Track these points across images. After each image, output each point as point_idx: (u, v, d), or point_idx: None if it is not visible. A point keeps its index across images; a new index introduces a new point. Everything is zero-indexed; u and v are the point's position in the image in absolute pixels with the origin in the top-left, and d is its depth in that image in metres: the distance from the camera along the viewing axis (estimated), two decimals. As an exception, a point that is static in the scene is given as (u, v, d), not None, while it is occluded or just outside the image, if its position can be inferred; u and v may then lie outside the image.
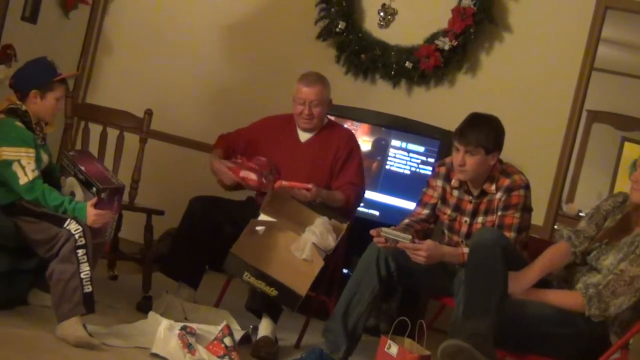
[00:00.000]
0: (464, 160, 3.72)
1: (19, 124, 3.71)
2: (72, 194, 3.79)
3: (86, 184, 3.76)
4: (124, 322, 3.89)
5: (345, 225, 4.07)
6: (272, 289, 3.81)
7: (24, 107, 3.77)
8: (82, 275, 3.53)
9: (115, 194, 3.79)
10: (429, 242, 3.68)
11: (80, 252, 3.55)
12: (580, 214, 3.84)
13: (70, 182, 3.82)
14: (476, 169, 3.74)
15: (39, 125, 3.85)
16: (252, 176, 4.28)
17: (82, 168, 3.76)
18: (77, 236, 3.55)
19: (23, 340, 3.45)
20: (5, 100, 3.85)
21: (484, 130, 3.72)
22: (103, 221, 3.70)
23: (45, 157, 3.83)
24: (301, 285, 3.82)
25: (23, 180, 3.62)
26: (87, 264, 3.56)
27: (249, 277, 3.84)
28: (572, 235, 3.65)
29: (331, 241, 3.96)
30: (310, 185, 4.11)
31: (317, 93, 4.36)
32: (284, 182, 4.11)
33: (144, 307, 4.17)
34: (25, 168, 3.62)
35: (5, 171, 3.63)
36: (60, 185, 3.81)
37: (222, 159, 4.41)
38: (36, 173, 3.65)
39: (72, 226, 3.57)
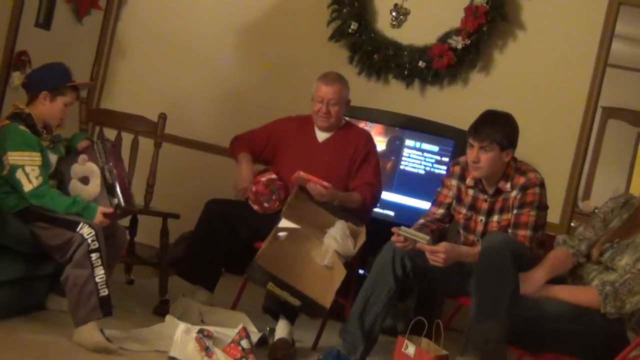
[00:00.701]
0: (479, 157, 3.71)
1: (22, 127, 3.71)
2: (85, 179, 3.79)
3: (109, 189, 3.78)
4: (141, 326, 3.90)
5: (363, 229, 4.07)
6: (295, 299, 3.81)
7: (27, 111, 3.78)
8: (97, 279, 3.54)
9: (127, 213, 3.81)
10: (445, 244, 3.67)
11: (94, 255, 3.55)
12: (596, 210, 3.83)
13: (91, 170, 3.83)
14: (491, 166, 3.73)
15: (46, 128, 3.85)
16: (255, 207, 4.30)
17: (115, 171, 3.79)
18: (90, 240, 3.55)
19: (40, 345, 3.47)
20: (12, 107, 3.87)
21: (498, 127, 3.71)
22: (101, 226, 3.71)
23: (54, 159, 3.83)
24: (325, 297, 3.82)
25: (27, 187, 3.63)
26: (101, 267, 3.55)
27: (273, 287, 3.82)
28: (566, 239, 3.71)
29: (351, 247, 3.97)
30: (327, 184, 4.11)
31: (335, 92, 4.37)
32: (302, 173, 4.11)
33: (161, 311, 4.18)
34: (29, 175, 3.63)
35: (11, 177, 3.65)
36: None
37: (250, 162, 4.43)
38: (40, 179, 3.65)
39: (85, 230, 3.57)
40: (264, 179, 4.31)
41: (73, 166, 3.85)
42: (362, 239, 4.04)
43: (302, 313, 3.91)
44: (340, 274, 3.86)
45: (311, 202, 4.11)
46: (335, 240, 3.92)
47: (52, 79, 3.84)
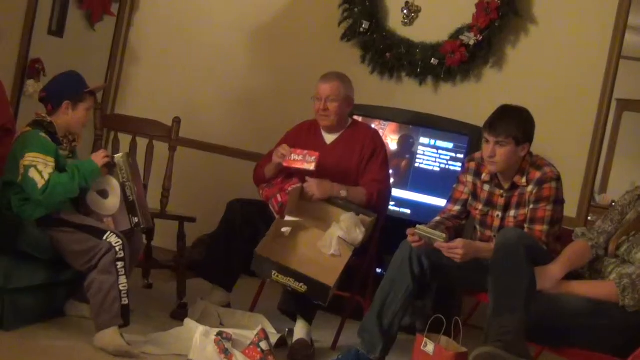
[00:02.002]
0: (494, 152, 3.71)
1: (43, 134, 3.75)
2: (104, 192, 3.82)
3: (129, 206, 3.83)
4: (160, 330, 3.91)
5: (373, 218, 4.07)
6: (300, 284, 3.81)
7: (49, 119, 3.82)
8: (120, 287, 3.59)
9: (144, 232, 3.87)
10: (462, 240, 3.66)
11: (120, 264, 3.60)
12: (614, 204, 3.81)
13: (110, 183, 3.86)
14: (507, 160, 3.72)
15: (67, 138, 3.89)
16: (278, 217, 4.27)
17: (136, 189, 3.84)
18: (117, 249, 3.61)
19: (62, 351, 3.49)
20: (35, 115, 3.90)
21: (514, 121, 3.71)
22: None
23: None
24: (329, 277, 3.83)
25: (40, 183, 3.64)
26: (125, 276, 3.61)
27: (277, 276, 3.84)
28: (585, 232, 3.69)
29: (359, 234, 3.97)
30: (314, 154, 4.17)
31: (332, 88, 4.38)
32: (290, 188, 4.18)
33: (179, 314, 4.19)
34: (43, 172, 3.65)
35: (25, 179, 3.66)
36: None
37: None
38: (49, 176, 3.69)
39: (113, 239, 3.62)
40: (290, 188, 4.29)
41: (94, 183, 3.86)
42: (372, 226, 4.03)
43: (310, 298, 3.88)
44: (346, 256, 3.88)
45: (317, 200, 4.13)
46: (340, 228, 3.93)
47: (70, 88, 3.89)
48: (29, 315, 3.72)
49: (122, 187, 3.87)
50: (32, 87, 5.07)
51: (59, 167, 3.73)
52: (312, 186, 4.17)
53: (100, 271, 3.59)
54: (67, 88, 3.89)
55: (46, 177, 3.64)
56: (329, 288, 3.80)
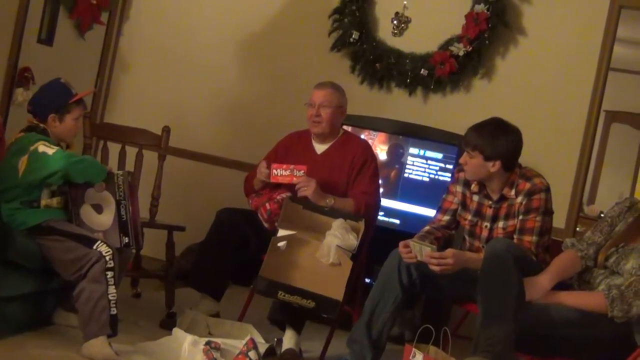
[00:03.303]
0: (465, 160, 3.77)
1: (40, 135, 3.76)
2: (98, 207, 3.81)
3: (122, 225, 3.82)
4: (148, 339, 3.90)
5: (361, 223, 4.07)
6: (308, 301, 3.82)
7: (42, 125, 3.82)
8: (109, 297, 3.57)
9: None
10: (451, 250, 3.68)
11: (109, 274, 3.58)
12: (602, 215, 3.83)
13: (106, 199, 3.84)
14: (474, 171, 3.77)
15: (61, 145, 3.88)
16: (267, 225, 4.28)
17: (131, 209, 3.85)
18: (107, 258, 3.58)
19: (49, 360, 3.48)
20: (27, 121, 3.90)
21: (484, 136, 3.72)
22: None
23: None
24: (336, 290, 3.83)
25: (51, 150, 3.67)
26: (114, 286, 3.59)
27: (284, 295, 3.83)
28: (575, 242, 3.70)
29: (353, 240, 3.97)
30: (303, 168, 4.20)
31: (326, 95, 4.40)
32: (278, 197, 4.20)
33: (167, 324, 4.18)
34: (48, 146, 3.68)
35: (33, 159, 3.66)
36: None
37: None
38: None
39: (103, 248, 3.60)
40: (278, 197, 4.29)
41: (88, 190, 3.83)
42: (362, 231, 4.04)
43: (318, 313, 3.90)
44: (347, 266, 3.87)
45: (305, 210, 4.12)
46: (336, 237, 3.93)
47: (54, 100, 3.87)
48: (18, 324, 3.70)
49: (118, 204, 3.85)
50: (21, 95, 5.05)
51: None
52: (309, 182, 4.18)
53: (90, 280, 3.56)
54: (50, 101, 3.87)
55: (55, 147, 3.68)
56: (337, 302, 3.80)
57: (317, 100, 4.41)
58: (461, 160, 3.81)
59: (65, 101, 3.87)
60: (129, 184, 3.89)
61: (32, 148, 3.68)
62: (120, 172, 3.93)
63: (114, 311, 3.57)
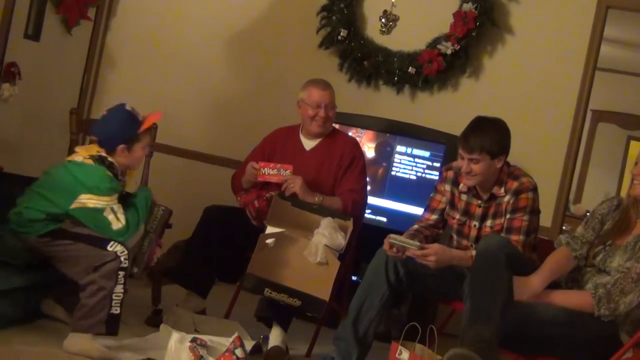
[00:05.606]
0: (470, 167, 3.72)
1: (109, 173, 3.70)
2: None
3: (137, 255, 3.86)
4: (134, 335, 3.89)
5: (350, 222, 4.07)
6: (294, 299, 3.83)
7: (109, 159, 3.75)
8: (114, 296, 3.56)
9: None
10: (436, 246, 3.68)
11: (121, 274, 3.58)
12: (588, 214, 3.83)
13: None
14: (484, 175, 3.74)
15: (123, 174, 3.87)
16: (255, 222, 4.30)
17: (154, 244, 3.93)
18: (122, 258, 3.58)
19: (36, 357, 3.46)
20: (92, 145, 3.81)
21: (487, 135, 3.71)
22: None
23: None
24: (323, 290, 3.83)
25: (117, 225, 3.65)
26: (122, 286, 3.59)
27: (270, 293, 3.85)
28: (570, 241, 3.68)
29: (341, 239, 3.97)
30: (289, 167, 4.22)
31: (330, 95, 4.42)
32: (267, 195, 4.21)
33: (153, 321, 4.17)
34: (117, 213, 3.66)
35: (96, 216, 3.64)
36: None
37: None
38: (123, 217, 3.69)
39: (118, 248, 3.59)
40: (267, 195, 4.29)
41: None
42: (350, 230, 4.04)
43: (304, 312, 3.91)
44: (335, 266, 3.87)
45: (293, 207, 4.12)
46: (324, 235, 3.93)
47: (124, 131, 3.79)
48: (3, 319, 3.67)
49: (145, 234, 3.87)
50: (8, 90, 5.01)
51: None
52: (295, 180, 4.18)
53: (102, 275, 3.55)
54: (120, 132, 3.78)
55: (122, 220, 3.67)
56: (324, 302, 3.82)
57: (323, 100, 4.39)
58: (464, 169, 3.74)
59: (134, 132, 3.80)
60: (164, 222, 3.94)
61: (103, 205, 3.64)
62: (163, 207, 3.95)
63: (116, 310, 3.56)
